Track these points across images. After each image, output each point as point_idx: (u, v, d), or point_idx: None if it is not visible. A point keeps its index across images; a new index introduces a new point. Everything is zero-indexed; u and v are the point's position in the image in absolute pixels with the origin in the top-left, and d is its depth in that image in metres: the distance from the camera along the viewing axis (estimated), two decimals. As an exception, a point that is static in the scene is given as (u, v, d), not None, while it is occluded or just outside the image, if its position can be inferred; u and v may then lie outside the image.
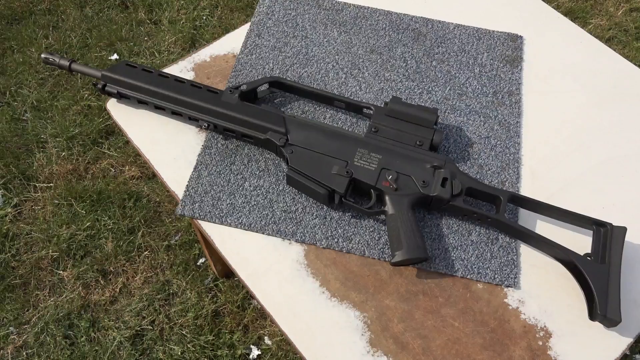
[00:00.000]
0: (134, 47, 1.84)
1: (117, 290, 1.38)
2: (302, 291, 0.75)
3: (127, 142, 1.61)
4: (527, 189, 0.85)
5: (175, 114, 0.87)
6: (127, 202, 1.55)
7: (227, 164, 0.86)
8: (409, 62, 1.00)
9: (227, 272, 1.40)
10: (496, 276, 0.78)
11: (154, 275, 1.42)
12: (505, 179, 0.87)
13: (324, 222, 0.81)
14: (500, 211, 0.77)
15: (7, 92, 1.69)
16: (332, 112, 0.94)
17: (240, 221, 0.81)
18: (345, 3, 1.02)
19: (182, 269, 1.44)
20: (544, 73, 0.98)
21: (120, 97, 0.87)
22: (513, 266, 0.78)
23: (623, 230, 0.72)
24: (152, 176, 1.60)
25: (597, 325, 0.71)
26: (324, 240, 0.80)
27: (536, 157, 0.89)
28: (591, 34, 1.07)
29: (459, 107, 0.95)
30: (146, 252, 1.47)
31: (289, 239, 0.80)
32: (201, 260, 1.47)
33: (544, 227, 0.81)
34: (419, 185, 0.78)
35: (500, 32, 1.02)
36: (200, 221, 0.80)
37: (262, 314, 1.34)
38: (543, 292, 0.76)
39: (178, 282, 1.41)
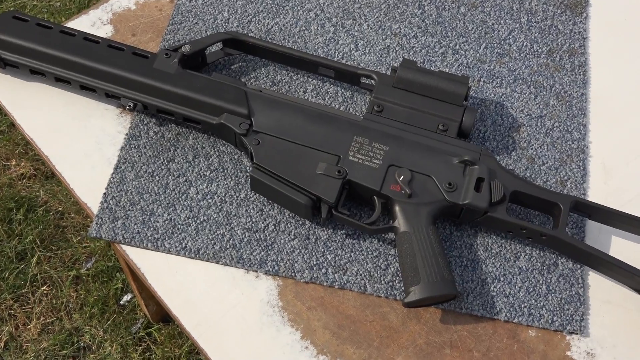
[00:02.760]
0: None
1: (1, 345, 1.37)
2: (275, 346, 0.76)
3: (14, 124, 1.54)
4: (597, 193, 0.88)
5: (85, 89, 0.88)
6: (14, 213, 1.54)
7: (163, 161, 0.88)
8: (426, 7, 1.01)
9: (165, 315, 1.42)
10: (555, 319, 0.79)
11: (56, 320, 1.42)
12: (566, 178, 0.89)
13: (306, 244, 0.83)
14: (560, 225, 0.79)
15: None
16: (315, 82, 0.95)
17: (183, 245, 0.82)
18: None
19: (97, 311, 1.44)
20: (620, 23, 1.01)
21: (5, 65, 0.88)
22: (579, 304, 0.80)
23: None
24: (51, 174, 1.60)
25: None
26: (307, 272, 0.82)
27: (609, 145, 0.91)
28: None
29: (499, 74, 0.97)
30: (44, 288, 1.47)
31: (256, 270, 0.81)
32: (126, 298, 1.48)
33: (623, 248, 0.82)
34: (443, 189, 0.80)
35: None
36: (124, 246, 0.81)
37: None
38: (621, 340, 0.77)
39: (92, 331, 1.41)
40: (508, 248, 0.84)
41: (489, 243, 0.84)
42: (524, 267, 0.83)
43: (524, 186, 0.81)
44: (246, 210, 0.85)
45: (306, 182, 0.79)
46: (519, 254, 0.83)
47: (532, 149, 0.91)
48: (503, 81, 0.97)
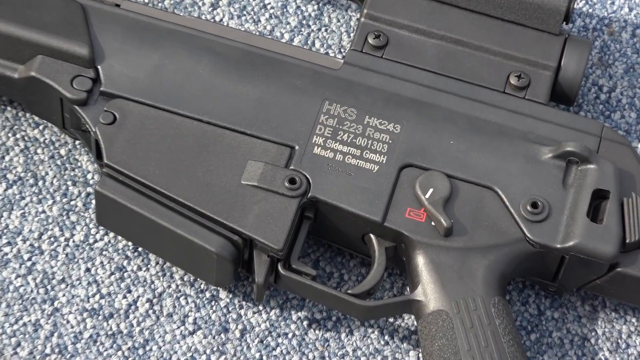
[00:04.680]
0: None
1: None
2: None
3: None
4: None
5: None
6: None
7: None
8: None
9: None
10: None
11: None
12: None
13: (220, 346, 0.76)
14: None
15: None
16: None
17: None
18: None
19: None
20: None
21: None
22: None
23: None
24: None
25: None
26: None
27: None
28: None
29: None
30: None
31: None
32: None
33: None
34: (521, 216, 0.72)
35: None
36: None
37: None
38: None
39: None
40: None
41: (623, 334, 0.78)
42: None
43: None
44: (88, 270, 0.78)
45: (219, 205, 0.72)
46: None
47: None
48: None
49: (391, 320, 0.75)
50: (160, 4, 0.88)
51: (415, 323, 0.73)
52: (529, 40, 0.77)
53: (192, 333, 0.74)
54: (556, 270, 0.72)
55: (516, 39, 0.77)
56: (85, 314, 0.75)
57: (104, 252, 0.77)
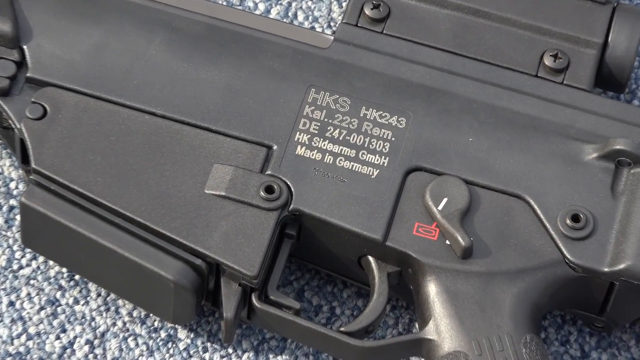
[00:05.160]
0: None
1: None
2: None
3: None
4: None
5: None
6: None
7: None
8: None
9: None
10: None
11: None
12: None
13: None
14: None
15: None
16: None
17: None
18: None
19: None
20: None
21: None
22: None
23: None
24: None
25: None
26: None
27: None
28: None
29: None
30: None
31: None
32: None
33: None
34: (559, 232, 0.68)
35: None
36: None
37: None
38: None
39: None
40: None
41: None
42: None
43: None
44: (12, 304, 0.76)
45: (177, 221, 0.68)
46: None
47: None
48: None
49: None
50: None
51: (418, 365, 0.69)
52: (568, 11, 0.74)
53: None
54: (604, 301, 0.68)
55: (551, 9, 0.75)
56: (8, 360, 0.70)
57: (32, 282, 0.73)
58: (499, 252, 0.66)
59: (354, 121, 0.69)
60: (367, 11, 0.73)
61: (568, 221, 0.66)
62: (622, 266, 0.65)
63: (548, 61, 0.71)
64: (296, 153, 0.68)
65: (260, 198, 0.66)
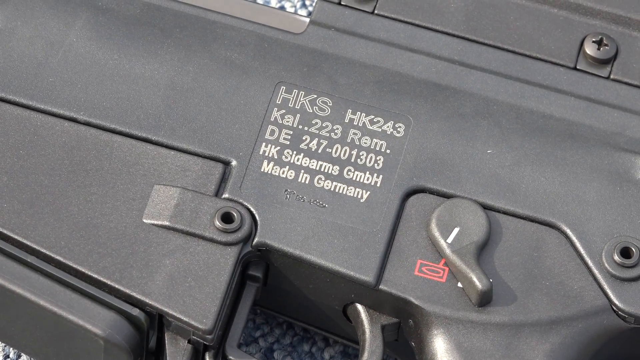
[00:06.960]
0: None
1: None
2: None
3: None
4: None
5: None
6: None
7: None
8: None
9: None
10: None
11: None
12: None
13: None
14: None
15: None
16: None
17: None
18: None
19: None
20: None
21: None
22: None
23: None
24: None
25: None
26: None
27: None
28: None
29: None
30: None
31: None
32: None
33: None
34: (602, 269, 0.61)
35: None
36: None
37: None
38: None
39: None
40: None
41: None
42: None
43: None
44: None
45: (107, 259, 0.60)
46: None
47: None
48: None
49: None
50: None
51: None
52: None
53: None
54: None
55: None
56: None
57: None
58: (527, 297, 0.58)
59: (337, 128, 0.61)
60: None
61: (616, 257, 0.58)
62: None
63: (590, 49, 0.64)
64: (261, 170, 0.59)
65: (215, 229, 0.57)
